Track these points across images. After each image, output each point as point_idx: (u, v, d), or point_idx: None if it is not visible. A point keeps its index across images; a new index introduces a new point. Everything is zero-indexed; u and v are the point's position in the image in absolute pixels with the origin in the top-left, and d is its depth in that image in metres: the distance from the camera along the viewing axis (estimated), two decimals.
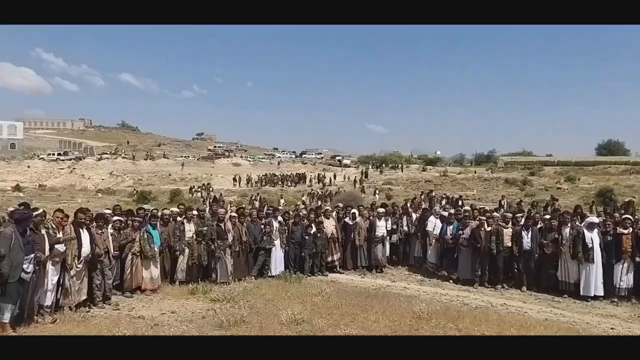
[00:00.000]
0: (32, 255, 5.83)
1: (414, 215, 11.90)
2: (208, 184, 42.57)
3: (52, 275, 6.46)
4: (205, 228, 9.19)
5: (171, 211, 9.72)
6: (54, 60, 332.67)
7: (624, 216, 9.20)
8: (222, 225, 9.28)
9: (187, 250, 8.98)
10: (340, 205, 13.11)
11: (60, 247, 6.51)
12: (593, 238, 8.51)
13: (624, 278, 8.39)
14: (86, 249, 6.92)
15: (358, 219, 11.08)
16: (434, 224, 10.73)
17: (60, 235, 6.57)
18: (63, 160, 63.42)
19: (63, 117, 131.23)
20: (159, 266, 8.55)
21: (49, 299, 6.44)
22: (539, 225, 9.55)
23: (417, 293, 8.80)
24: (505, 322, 6.41)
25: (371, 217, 11.26)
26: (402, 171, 57.60)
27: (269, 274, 9.72)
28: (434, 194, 26.77)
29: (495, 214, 10.44)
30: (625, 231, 8.47)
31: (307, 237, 10.10)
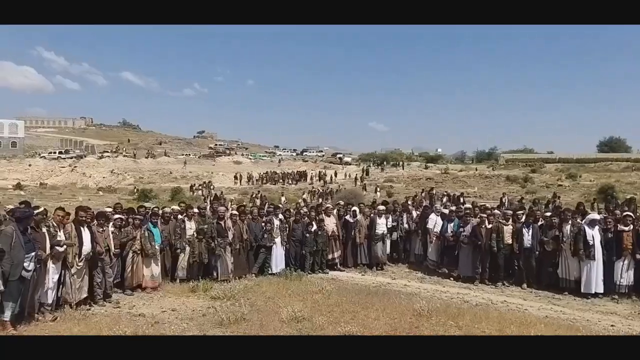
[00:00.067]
0: (33, 254, 5.85)
1: (414, 213, 11.91)
2: (209, 181, 42.62)
3: (53, 274, 6.48)
4: (205, 226, 9.20)
5: (172, 209, 9.74)
6: (55, 59, 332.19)
7: (624, 213, 9.18)
8: (222, 223, 9.30)
9: (187, 248, 8.99)
10: (341, 202, 13.11)
11: (59, 248, 6.53)
12: (594, 235, 8.49)
13: (625, 275, 8.38)
14: (87, 247, 6.94)
15: (359, 216, 11.08)
16: (434, 222, 10.72)
17: (61, 233, 6.59)
18: (64, 158, 63.60)
19: (64, 116, 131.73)
20: (159, 264, 8.58)
21: (49, 297, 6.46)
22: (539, 223, 9.54)
23: (417, 290, 8.81)
24: (505, 320, 6.40)
25: (372, 215, 11.27)
26: (403, 169, 57.61)
27: (270, 272, 9.74)
28: (434, 191, 26.76)
29: (496, 211, 10.43)
30: (626, 228, 8.46)
31: (307, 235, 10.11)
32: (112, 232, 7.85)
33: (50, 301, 6.47)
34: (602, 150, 66.43)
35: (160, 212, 9.33)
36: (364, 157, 77.52)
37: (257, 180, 47.92)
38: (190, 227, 9.16)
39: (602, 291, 8.39)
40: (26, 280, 5.81)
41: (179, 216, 9.38)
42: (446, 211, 11.03)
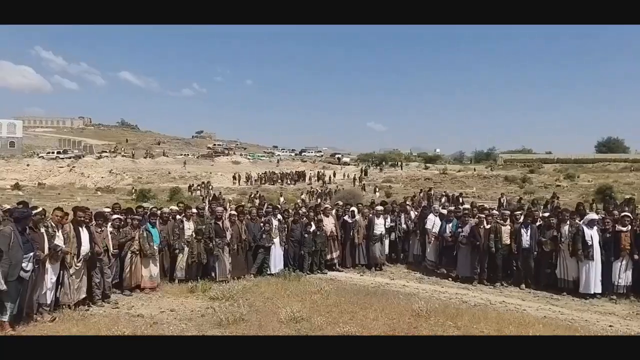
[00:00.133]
0: (31, 254, 5.84)
1: (413, 213, 11.92)
2: (208, 182, 42.57)
3: (51, 274, 6.47)
4: (204, 226, 9.19)
5: (170, 209, 9.73)
6: (53, 59, 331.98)
7: (622, 214, 9.20)
8: (220, 223, 9.29)
9: (186, 249, 8.99)
10: (340, 203, 13.12)
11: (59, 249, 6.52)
12: (593, 235, 8.50)
13: (623, 275, 8.39)
14: (85, 247, 6.92)
15: (357, 216, 11.08)
16: (433, 222, 10.73)
17: (59, 233, 6.57)
18: (62, 158, 63.49)
19: (62, 116, 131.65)
20: (158, 264, 8.57)
21: (48, 298, 6.45)
22: (537, 223, 9.55)
23: (416, 291, 8.81)
24: (504, 320, 6.42)
25: (370, 215, 11.27)
26: (401, 169, 57.63)
27: (268, 272, 9.73)
28: (432, 192, 26.80)
29: (494, 211, 10.45)
30: (624, 229, 8.47)
31: (306, 235, 10.10)
32: (111, 233, 7.83)
33: (48, 302, 6.46)
34: (600, 151, 66.58)
35: (159, 212, 9.33)
36: (362, 157, 77.55)
37: (255, 180, 47.88)
38: (189, 227, 9.15)
39: (600, 291, 8.41)
40: (24, 281, 5.79)
41: (178, 216, 9.37)
42: (444, 211, 11.05)
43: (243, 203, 20.33)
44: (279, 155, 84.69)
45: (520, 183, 38.84)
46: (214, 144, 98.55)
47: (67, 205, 13.69)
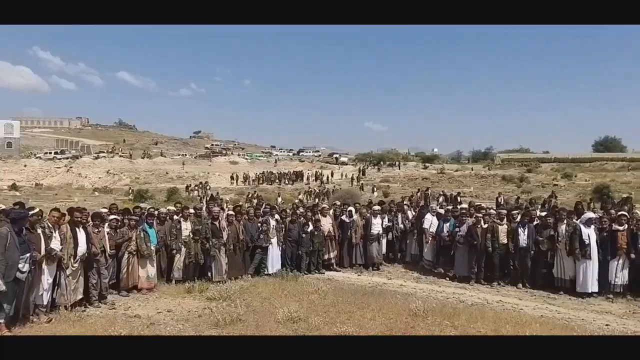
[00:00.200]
0: (28, 255, 5.82)
1: (410, 213, 11.93)
2: (205, 182, 42.53)
3: (47, 275, 6.45)
4: (201, 227, 9.18)
5: (168, 210, 9.72)
6: (51, 59, 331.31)
7: (619, 213, 9.22)
8: (217, 223, 9.28)
9: (183, 249, 8.97)
10: (338, 203, 13.11)
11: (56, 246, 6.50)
12: (590, 234, 8.52)
13: (619, 274, 8.41)
14: (82, 248, 6.91)
15: (355, 216, 11.08)
16: (430, 222, 10.75)
17: (56, 234, 6.56)
18: (60, 159, 63.21)
19: (60, 116, 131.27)
20: (155, 265, 8.55)
21: (44, 299, 6.43)
22: (535, 222, 9.57)
23: (413, 290, 8.82)
24: (501, 319, 6.42)
25: (367, 215, 11.27)
26: (399, 169, 57.69)
27: (266, 272, 9.73)
28: (429, 191, 26.84)
29: (491, 211, 10.46)
30: (621, 228, 8.50)
31: (304, 235, 10.10)
32: (108, 233, 7.82)
33: (45, 303, 6.44)
34: (597, 150, 66.68)
35: (156, 212, 9.29)
36: (360, 157, 77.50)
37: (253, 180, 47.88)
38: (186, 227, 9.14)
39: (597, 290, 8.43)
40: (21, 282, 5.77)
41: (175, 217, 9.36)
42: (442, 211, 11.06)
43: (241, 203, 20.30)
44: (276, 155, 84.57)
45: (518, 182, 38.95)
46: (212, 144, 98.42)
47: (64, 206, 13.63)
